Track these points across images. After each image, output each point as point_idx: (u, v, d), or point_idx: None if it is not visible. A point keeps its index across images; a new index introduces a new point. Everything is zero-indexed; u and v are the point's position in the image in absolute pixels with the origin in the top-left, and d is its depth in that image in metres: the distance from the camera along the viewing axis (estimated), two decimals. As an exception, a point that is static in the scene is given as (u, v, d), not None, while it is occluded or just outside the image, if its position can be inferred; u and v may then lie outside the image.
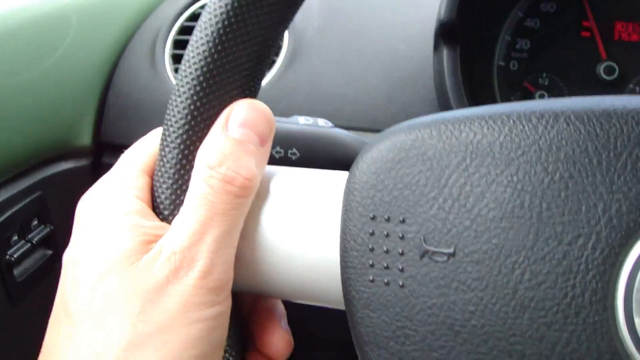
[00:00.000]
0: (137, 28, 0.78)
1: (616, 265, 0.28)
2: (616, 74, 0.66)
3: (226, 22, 0.33)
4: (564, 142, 0.29)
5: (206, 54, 0.33)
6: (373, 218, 0.32)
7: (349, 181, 0.33)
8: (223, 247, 0.32)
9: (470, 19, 0.62)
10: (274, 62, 0.69)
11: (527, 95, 0.68)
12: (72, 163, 0.72)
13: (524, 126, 0.30)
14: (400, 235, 0.31)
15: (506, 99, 0.68)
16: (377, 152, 0.32)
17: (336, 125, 0.44)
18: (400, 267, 0.31)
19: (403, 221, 0.31)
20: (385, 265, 0.31)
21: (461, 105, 0.59)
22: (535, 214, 0.29)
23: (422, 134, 0.31)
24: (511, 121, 0.30)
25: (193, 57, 0.33)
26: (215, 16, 0.33)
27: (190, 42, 0.33)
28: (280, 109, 0.64)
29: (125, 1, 0.80)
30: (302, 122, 0.49)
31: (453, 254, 0.30)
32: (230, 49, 0.33)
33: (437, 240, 0.30)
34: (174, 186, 0.34)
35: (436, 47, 0.60)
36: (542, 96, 0.68)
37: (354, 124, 0.65)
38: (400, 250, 0.31)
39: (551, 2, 0.69)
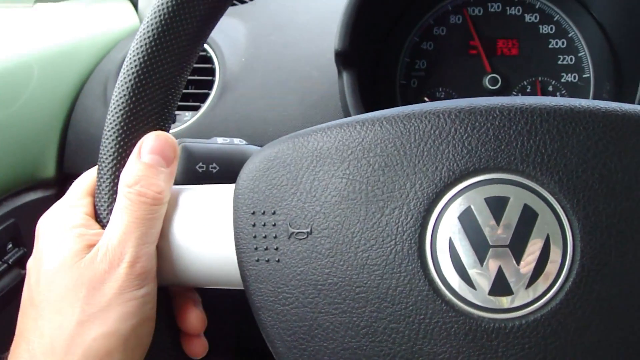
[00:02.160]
0: (90, 72, 0.87)
1: (423, 225, 0.39)
2: (499, 84, 0.77)
3: (136, 83, 0.43)
4: (379, 141, 0.39)
5: (124, 105, 0.43)
6: (253, 213, 0.42)
7: (235, 189, 0.43)
8: (144, 243, 0.42)
9: (367, 46, 0.73)
10: (207, 94, 0.79)
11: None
12: (41, 193, 0.82)
13: (350, 132, 0.40)
14: (273, 223, 0.41)
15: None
16: (252, 164, 0.42)
17: (258, 144, 0.54)
18: (275, 247, 0.41)
19: (274, 213, 0.41)
20: (265, 247, 0.41)
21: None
22: (363, 195, 0.39)
23: (282, 147, 0.42)
24: (342, 129, 0.40)
25: (114, 108, 0.44)
26: (127, 75, 0.43)
27: (112, 98, 0.44)
28: (214, 134, 0.75)
29: (80, 50, 0.89)
30: (220, 142, 0.59)
31: (310, 232, 0.40)
32: (141, 103, 0.43)
33: (299, 223, 0.41)
34: (108, 201, 0.45)
35: (338, 72, 0.71)
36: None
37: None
38: (274, 235, 0.41)
39: (442, 26, 0.80)
